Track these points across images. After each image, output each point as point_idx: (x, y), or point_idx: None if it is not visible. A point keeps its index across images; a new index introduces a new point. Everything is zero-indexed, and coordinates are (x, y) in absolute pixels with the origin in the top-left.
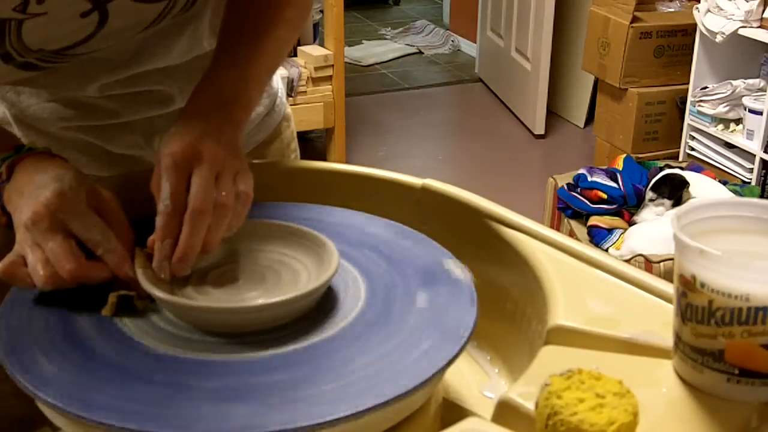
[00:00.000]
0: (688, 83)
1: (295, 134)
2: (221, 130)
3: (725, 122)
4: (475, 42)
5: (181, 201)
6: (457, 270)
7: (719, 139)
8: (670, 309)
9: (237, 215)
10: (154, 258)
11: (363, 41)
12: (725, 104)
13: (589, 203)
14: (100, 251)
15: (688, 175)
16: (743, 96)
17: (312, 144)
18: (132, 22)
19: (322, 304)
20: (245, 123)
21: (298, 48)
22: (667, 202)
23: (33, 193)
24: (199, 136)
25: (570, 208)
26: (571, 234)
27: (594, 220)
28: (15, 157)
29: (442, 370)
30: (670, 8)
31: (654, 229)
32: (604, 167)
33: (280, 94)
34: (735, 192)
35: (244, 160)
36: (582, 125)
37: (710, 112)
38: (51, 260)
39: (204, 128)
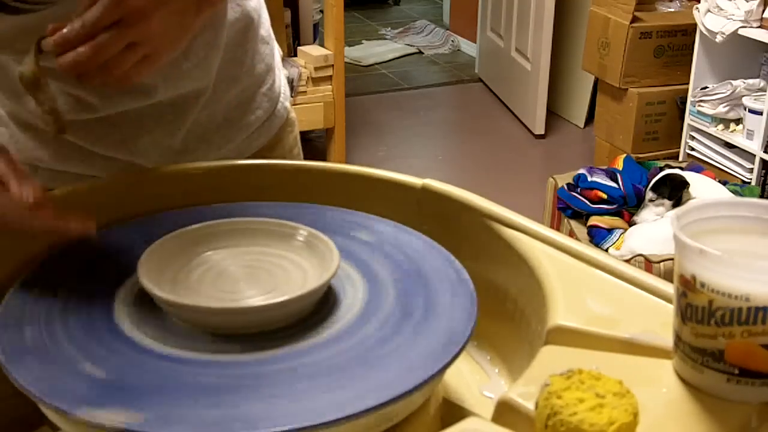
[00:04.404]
0: (688, 83)
1: (298, 139)
2: None
3: (725, 122)
4: (475, 42)
5: (97, 30)
6: (458, 271)
7: (719, 139)
8: (670, 309)
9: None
10: (59, 34)
11: (363, 41)
12: (725, 104)
13: (589, 203)
14: None
15: (688, 175)
16: (743, 96)
17: (312, 144)
18: None
19: (323, 304)
20: None
21: (298, 48)
22: (667, 203)
23: None
24: None
25: (570, 208)
26: (571, 234)
27: (594, 220)
28: None
29: (441, 371)
30: (670, 8)
31: (654, 229)
32: (604, 167)
33: (282, 99)
34: (735, 192)
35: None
36: (582, 125)
37: (710, 112)
38: None
39: None
